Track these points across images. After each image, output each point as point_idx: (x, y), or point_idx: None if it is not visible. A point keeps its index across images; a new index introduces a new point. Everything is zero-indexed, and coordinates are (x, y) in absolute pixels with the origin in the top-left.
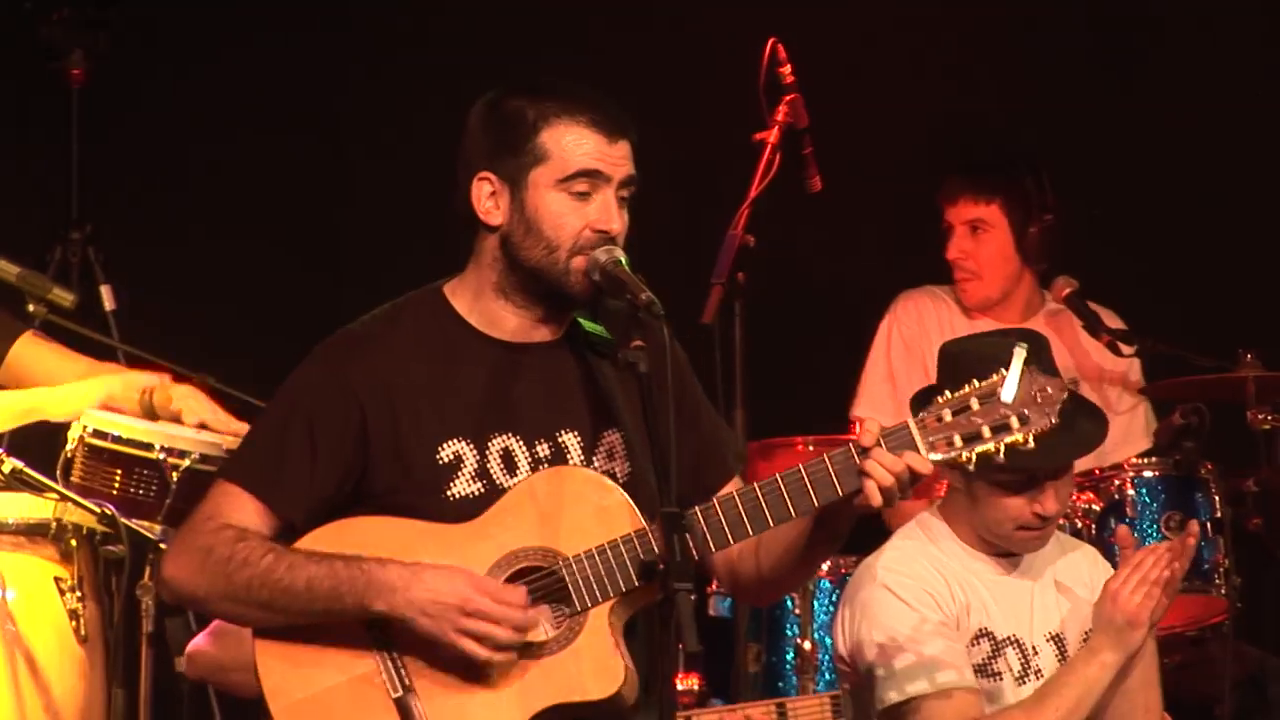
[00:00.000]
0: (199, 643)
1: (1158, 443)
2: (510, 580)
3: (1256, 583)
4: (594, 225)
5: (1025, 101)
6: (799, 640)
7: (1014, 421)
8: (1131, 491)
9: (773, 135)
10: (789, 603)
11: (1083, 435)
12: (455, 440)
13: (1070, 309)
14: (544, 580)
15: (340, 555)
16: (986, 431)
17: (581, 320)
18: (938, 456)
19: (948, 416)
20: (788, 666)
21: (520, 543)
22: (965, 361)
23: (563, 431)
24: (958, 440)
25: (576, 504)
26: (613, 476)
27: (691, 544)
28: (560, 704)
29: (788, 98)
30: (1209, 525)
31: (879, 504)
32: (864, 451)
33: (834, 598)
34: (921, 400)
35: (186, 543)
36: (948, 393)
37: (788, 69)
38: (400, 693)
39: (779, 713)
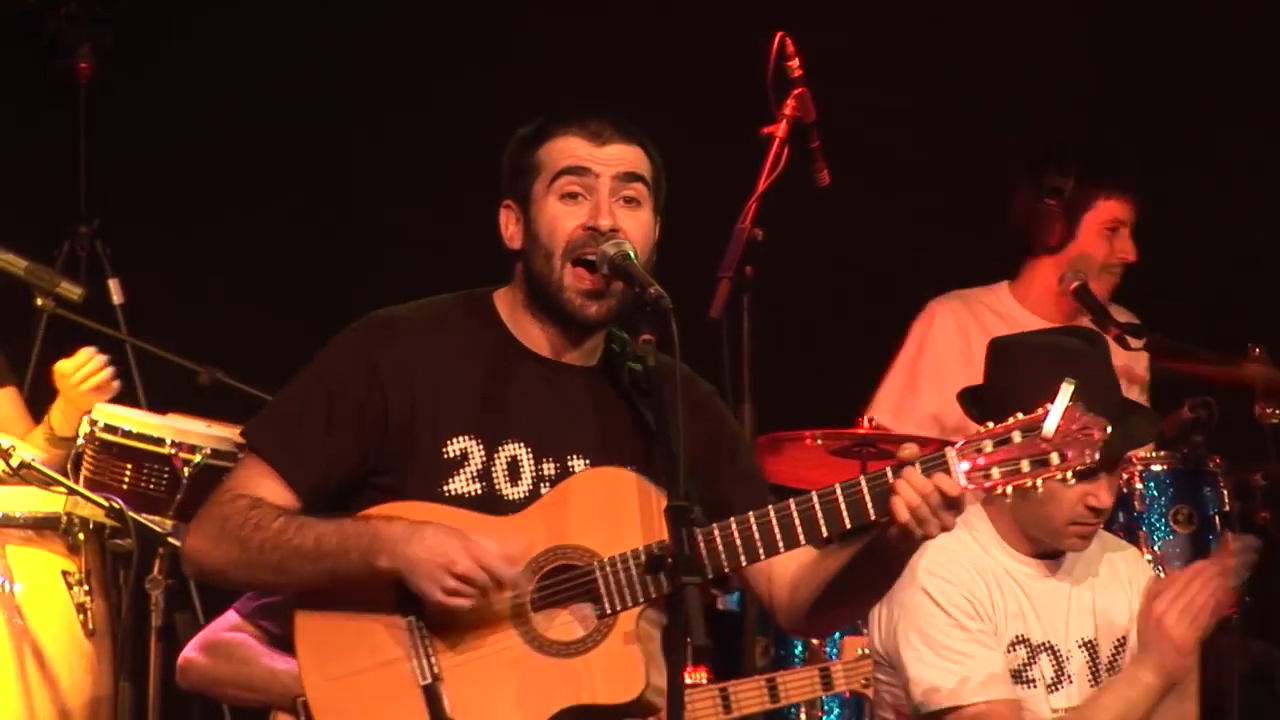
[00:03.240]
0: (190, 654)
1: (1166, 436)
2: (546, 578)
3: (1265, 577)
4: (584, 223)
5: (1031, 94)
6: None
7: (1054, 457)
8: (1140, 485)
9: (780, 129)
10: None
11: (1136, 427)
12: (465, 437)
13: (1079, 302)
14: (579, 580)
15: (351, 516)
16: (1025, 465)
17: (614, 346)
18: (974, 487)
19: (988, 448)
20: (796, 659)
21: (560, 540)
22: (1014, 356)
23: (574, 456)
24: (995, 472)
25: (620, 507)
26: None
27: (722, 554)
28: (581, 705)
29: (795, 91)
30: (1217, 519)
31: (904, 520)
32: (898, 472)
33: None
34: (969, 397)
35: (207, 515)
36: (990, 424)
37: (795, 63)
38: (429, 680)
39: (769, 688)
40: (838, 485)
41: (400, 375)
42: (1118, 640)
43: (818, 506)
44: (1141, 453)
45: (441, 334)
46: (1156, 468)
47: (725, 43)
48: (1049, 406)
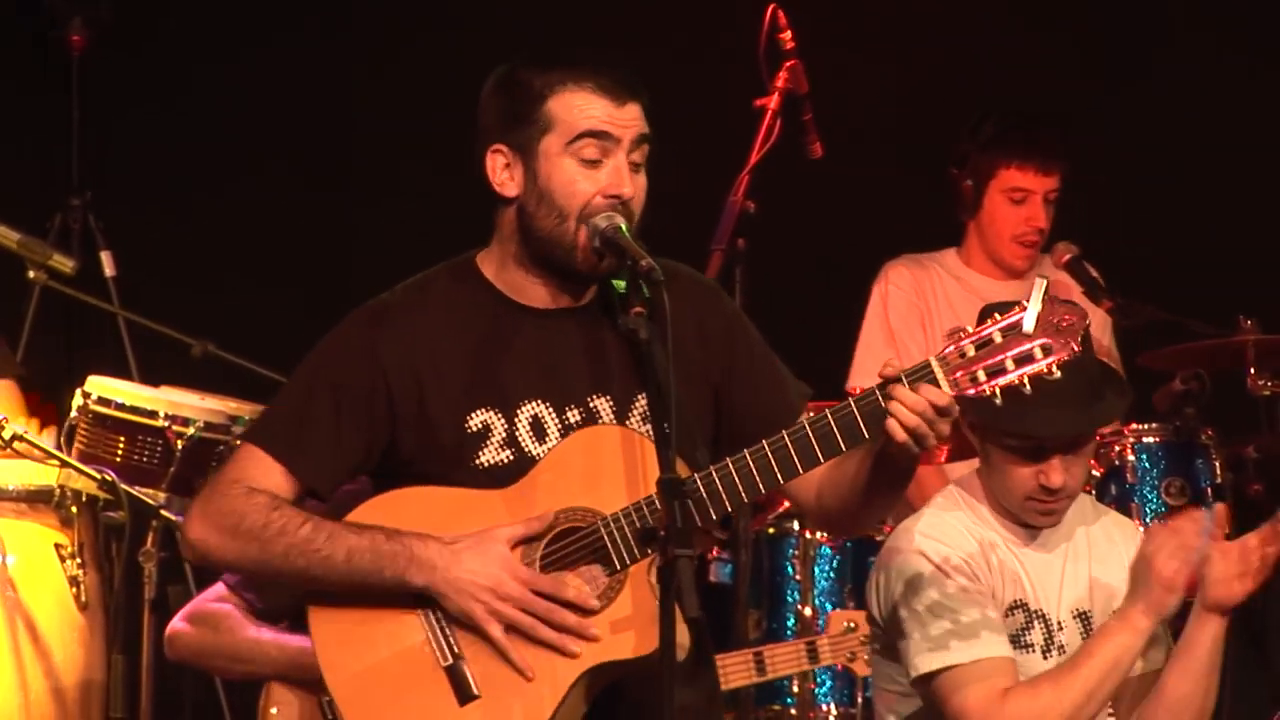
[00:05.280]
0: (178, 625)
1: (1158, 408)
2: (553, 542)
3: None
4: (605, 191)
5: (1021, 66)
6: (799, 606)
7: (1037, 351)
8: (1132, 457)
9: (773, 101)
10: (789, 569)
11: (1096, 411)
12: (483, 410)
13: (1071, 274)
14: (586, 540)
15: (381, 528)
16: (1010, 364)
17: (614, 282)
18: (966, 392)
19: (970, 351)
20: (788, 632)
21: (561, 504)
22: None
23: (594, 396)
24: (981, 375)
25: (615, 462)
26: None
27: (724, 495)
28: (605, 663)
29: (788, 64)
30: (1209, 491)
31: (903, 440)
32: (886, 390)
33: (834, 564)
34: None
35: (212, 506)
36: (969, 328)
37: (788, 35)
38: (450, 660)
39: (756, 662)
40: (828, 411)
41: (401, 361)
42: (1113, 612)
43: (811, 434)
44: (1134, 424)
45: (434, 311)
46: (1149, 440)
47: (718, 15)
48: (1025, 304)
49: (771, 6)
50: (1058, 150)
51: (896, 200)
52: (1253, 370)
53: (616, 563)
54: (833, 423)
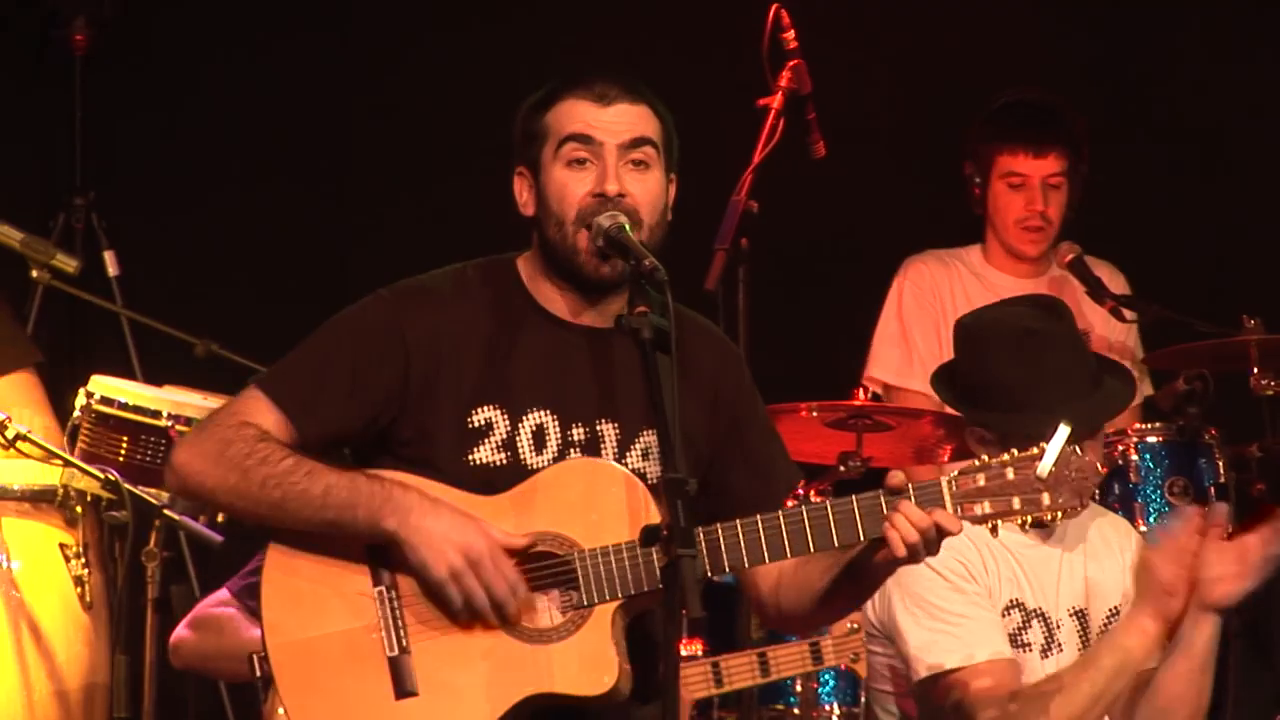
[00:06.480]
0: (181, 633)
1: (1161, 408)
2: (527, 562)
3: None
4: (592, 190)
5: (1021, 65)
6: None
7: (1045, 498)
8: (1135, 457)
9: (776, 101)
10: None
11: (1108, 399)
12: (491, 406)
13: (1074, 274)
14: (557, 568)
15: (363, 471)
16: (1017, 502)
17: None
18: (966, 519)
19: (981, 481)
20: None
21: (541, 526)
22: (982, 338)
23: (603, 420)
24: (987, 506)
25: (605, 499)
26: (643, 477)
27: (706, 561)
28: (549, 692)
29: (791, 63)
30: (1213, 491)
31: (902, 555)
32: (892, 498)
33: None
34: (942, 376)
35: (204, 434)
36: (985, 457)
37: (791, 35)
38: (395, 652)
39: (760, 662)
40: (828, 503)
41: (426, 347)
42: (1110, 610)
43: (808, 523)
44: (1137, 424)
45: (467, 305)
46: (1152, 439)
47: (721, 15)
48: (1045, 446)
49: (775, 6)
50: (1050, 135)
51: (898, 200)
52: (1256, 370)
53: (585, 598)
54: (831, 516)
